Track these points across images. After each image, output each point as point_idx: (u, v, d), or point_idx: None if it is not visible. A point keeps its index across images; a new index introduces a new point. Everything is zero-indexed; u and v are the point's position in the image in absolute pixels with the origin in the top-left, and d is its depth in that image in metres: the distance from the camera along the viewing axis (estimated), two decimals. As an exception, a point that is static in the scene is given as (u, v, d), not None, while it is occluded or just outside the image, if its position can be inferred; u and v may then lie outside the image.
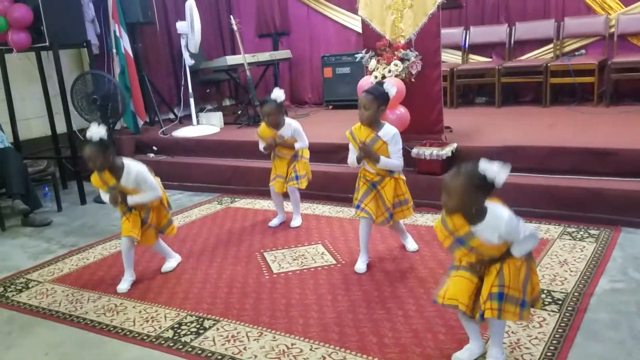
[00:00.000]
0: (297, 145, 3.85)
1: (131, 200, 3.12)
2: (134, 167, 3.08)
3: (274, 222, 4.14)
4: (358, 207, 3.15)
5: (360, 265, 3.22)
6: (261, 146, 3.94)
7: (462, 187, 1.95)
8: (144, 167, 3.15)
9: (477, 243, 2.03)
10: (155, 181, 3.19)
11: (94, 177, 3.12)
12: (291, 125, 3.85)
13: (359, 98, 3.06)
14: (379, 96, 2.98)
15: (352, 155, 3.16)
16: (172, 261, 3.48)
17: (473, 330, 2.25)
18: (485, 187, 1.94)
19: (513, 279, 2.03)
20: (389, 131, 3.03)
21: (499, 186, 1.92)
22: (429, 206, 4.07)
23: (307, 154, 3.97)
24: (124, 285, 3.23)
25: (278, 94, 3.77)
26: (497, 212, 1.99)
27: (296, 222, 4.07)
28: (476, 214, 1.99)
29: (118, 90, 4.91)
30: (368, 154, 3.02)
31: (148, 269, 3.48)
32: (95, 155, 2.96)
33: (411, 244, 3.41)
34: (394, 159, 3.03)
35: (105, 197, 3.17)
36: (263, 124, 3.92)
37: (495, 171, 1.91)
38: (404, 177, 3.18)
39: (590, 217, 3.63)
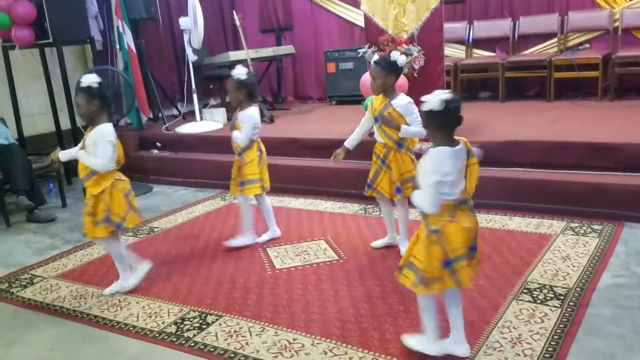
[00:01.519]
0: (234, 135, 3.53)
1: (80, 155, 2.93)
2: (103, 127, 2.94)
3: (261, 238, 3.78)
4: (369, 186, 3.25)
5: (376, 242, 3.45)
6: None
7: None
8: (111, 133, 2.96)
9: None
10: (110, 153, 2.93)
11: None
12: (247, 112, 3.49)
13: (369, 70, 3.20)
14: (386, 66, 3.07)
15: (361, 125, 3.32)
16: (125, 280, 3.17)
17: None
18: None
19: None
20: (402, 100, 3.10)
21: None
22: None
23: (249, 155, 3.53)
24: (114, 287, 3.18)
25: (238, 72, 3.49)
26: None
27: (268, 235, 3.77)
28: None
29: (127, 83, 4.93)
30: (385, 121, 3.06)
31: (153, 265, 3.49)
32: (80, 102, 2.92)
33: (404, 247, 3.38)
34: (413, 127, 3.04)
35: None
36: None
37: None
38: (413, 156, 3.19)
39: (594, 212, 3.62)
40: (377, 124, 3.15)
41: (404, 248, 3.31)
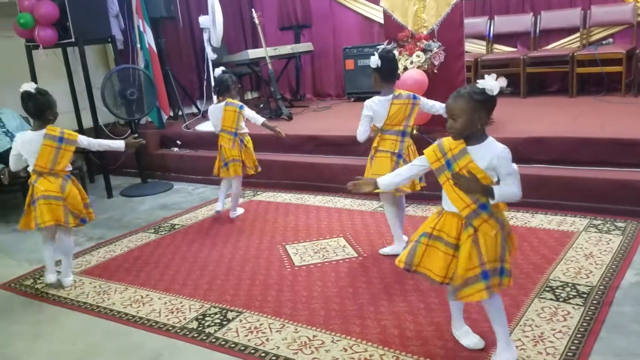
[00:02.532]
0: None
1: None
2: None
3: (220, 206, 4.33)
4: None
5: (385, 249, 3.37)
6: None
7: (466, 106, 1.98)
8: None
9: (465, 162, 2.02)
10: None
11: None
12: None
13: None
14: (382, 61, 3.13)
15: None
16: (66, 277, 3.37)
17: (458, 309, 2.27)
18: (487, 102, 1.98)
19: (490, 251, 2.01)
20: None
21: (495, 93, 1.97)
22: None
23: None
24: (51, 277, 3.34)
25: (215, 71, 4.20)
26: (496, 142, 2.04)
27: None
28: (479, 134, 2.02)
29: (149, 81, 4.99)
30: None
31: (173, 261, 3.53)
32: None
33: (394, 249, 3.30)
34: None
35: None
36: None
37: (493, 84, 1.95)
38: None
39: (617, 209, 3.57)
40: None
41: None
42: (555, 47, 6.08)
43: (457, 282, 2.05)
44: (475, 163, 2.00)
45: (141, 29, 5.87)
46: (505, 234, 2.08)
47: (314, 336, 2.51)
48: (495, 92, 1.96)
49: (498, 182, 2.01)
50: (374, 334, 2.47)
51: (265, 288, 3.04)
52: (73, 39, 4.97)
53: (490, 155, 1.99)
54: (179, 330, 2.68)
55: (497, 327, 2.14)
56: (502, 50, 6.35)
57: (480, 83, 1.97)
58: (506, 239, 2.09)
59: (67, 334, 2.80)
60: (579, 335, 2.30)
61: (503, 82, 1.96)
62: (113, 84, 4.95)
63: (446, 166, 2.08)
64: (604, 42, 5.75)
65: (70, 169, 3.29)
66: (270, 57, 6.29)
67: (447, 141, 2.10)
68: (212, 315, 2.79)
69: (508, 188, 1.99)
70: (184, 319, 2.79)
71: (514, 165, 2.00)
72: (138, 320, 2.83)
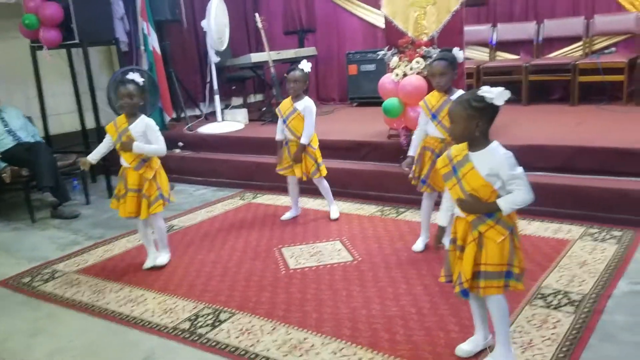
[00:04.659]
0: (305, 125, 3.86)
1: (137, 147, 3.24)
2: (146, 118, 3.34)
3: (287, 215, 4.21)
4: (424, 182, 3.25)
5: (418, 245, 3.41)
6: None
7: (464, 112, 2.00)
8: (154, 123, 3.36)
9: (467, 169, 2.03)
10: (163, 138, 3.35)
11: (110, 125, 3.37)
12: (308, 105, 3.90)
13: (430, 67, 3.18)
14: (452, 61, 3.10)
15: (420, 129, 3.27)
16: (165, 257, 3.52)
17: (479, 317, 2.24)
18: (486, 109, 1.98)
19: (491, 256, 2.03)
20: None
21: (498, 105, 1.95)
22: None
23: (315, 142, 3.97)
24: (147, 263, 3.49)
25: (305, 65, 3.92)
26: (499, 148, 2.04)
27: (334, 212, 4.15)
28: (479, 139, 2.03)
29: (152, 82, 5.03)
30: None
31: (170, 261, 3.54)
32: (133, 93, 3.23)
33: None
34: None
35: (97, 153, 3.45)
36: (285, 99, 4.02)
37: (494, 93, 1.94)
38: None
39: (614, 218, 3.56)
40: (435, 121, 3.15)
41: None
42: (558, 55, 6.09)
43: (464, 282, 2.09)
44: (476, 170, 2.01)
45: (145, 31, 5.92)
46: (515, 239, 2.09)
47: (304, 338, 2.52)
48: (495, 101, 1.95)
49: (503, 188, 2.02)
50: (364, 338, 2.48)
51: (259, 290, 3.05)
52: (77, 40, 5.02)
53: (491, 161, 2.00)
54: (171, 331, 2.70)
55: (498, 329, 2.15)
56: (505, 57, 6.36)
57: (482, 90, 1.98)
58: (515, 244, 2.09)
59: (64, 331, 2.83)
60: (567, 343, 2.30)
61: (506, 94, 1.94)
62: (118, 82, 4.99)
63: (453, 172, 2.11)
64: (606, 51, 5.76)
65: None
66: (274, 61, 6.32)
67: (454, 148, 2.14)
68: (205, 316, 2.81)
69: (513, 197, 1.98)
70: (177, 319, 2.81)
71: (519, 169, 2.00)
72: (132, 319, 2.86)
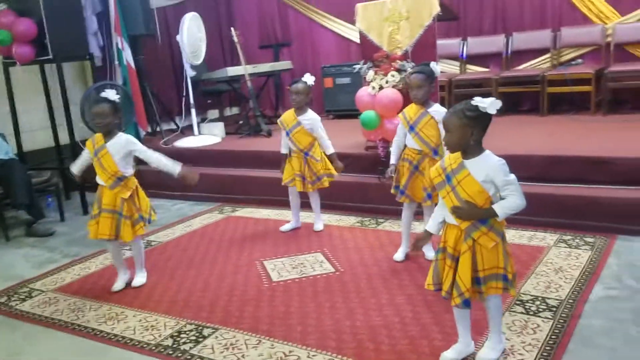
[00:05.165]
0: (320, 139, 3.92)
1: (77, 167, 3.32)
2: (124, 135, 3.29)
3: (287, 227, 4.21)
4: (402, 192, 3.31)
5: (399, 254, 3.45)
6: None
7: (459, 122, 2.07)
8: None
9: (463, 176, 2.11)
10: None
11: (89, 142, 3.33)
12: (313, 117, 3.93)
13: (409, 79, 3.24)
14: (429, 75, 3.15)
15: (398, 138, 3.35)
16: (143, 277, 3.47)
17: (463, 325, 2.30)
18: (480, 118, 2.06)
19: (487, 261, 2.12)
20: (439, 110, 3.15)
21: (492, 113, 2.04)
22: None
23: (318, 154, 3.97)
24: (118, 284, 3.40)
25: (309, 78, 3.93)
26: (492, 156, 2.13)
27: (319, 225, 4.16)
28: (474, 148, 2.11)
29: (126, 97, 5.00)
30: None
31: (149, 278, 3.51)
32: (105, 112, 3.17)
33: (429, 251, 3.44)
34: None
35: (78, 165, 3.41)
36: (287, 111, 4.03)
37: (487, 102, 2.02)
38: None
39: (587, 225, 3.66)
40: (413, 132, 3.22)
41: (430, 253, 3.39)
42: (526, 67, 6.25)
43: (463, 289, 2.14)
44: (472, 176, 2.10)
45: (120, 46, 5.89)
46: (506, 245, 2.19)
47: (290, 351, 2.53)
48: (488, 110, 2.03)
49: (496, 195, 2.10)
50: (349, 349, 2.50)
51: (242, 304, 3.05)
52: (51, 56, 4.97)
53: (486, 168, 2.09)
54: (154, 348, 2.68)
55: (495, 320, 2.28)
56: (476, 70, 6.50)
57: (475, 100, 2.06)
58: (507, 250, 2.19)
59: (43, 351, 2.77)
60: (548, 348, 2.36)
61: (498, 103, 2.03)
62: (91, 101, 4.95)
63: (446, 181, 2.17)
64: (573, 62, 5.93)
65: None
66: (250, 74, 6.35)
67: (447, 157, 2.22)
68: (187, 332, 2.79)
69: (508, 202, 2.08)
70: (159, 336, 2.78)
71: (512, 176, 2.10)
72: (113, 337, 2.82)
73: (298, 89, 3.89)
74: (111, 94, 3.20)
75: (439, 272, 2.23)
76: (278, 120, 4.09)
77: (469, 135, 2.08)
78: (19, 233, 4.74)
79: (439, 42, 4.51)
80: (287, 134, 3.96)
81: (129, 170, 3.30)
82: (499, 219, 2.10)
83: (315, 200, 4.14)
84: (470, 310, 2.23)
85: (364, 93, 4.41)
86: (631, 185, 3.72)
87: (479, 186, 2.09)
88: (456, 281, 2.14)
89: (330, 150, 3.95)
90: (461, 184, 2.12)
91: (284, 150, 4.07)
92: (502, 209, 2.08)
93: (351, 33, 7.10)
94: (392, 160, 3.38)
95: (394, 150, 3.39)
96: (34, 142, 5.86)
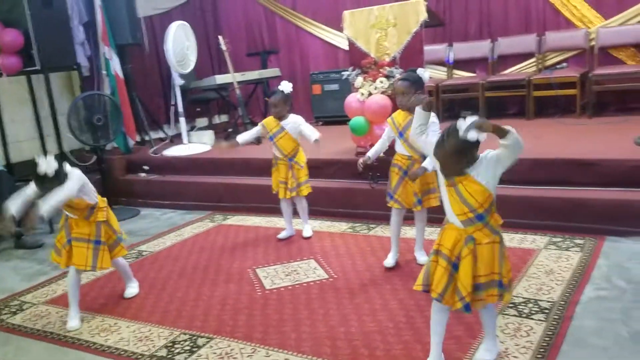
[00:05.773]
0: (305, 131, 3.89)
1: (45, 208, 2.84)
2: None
3: (283, 234, 4.21)
4: (391, 197, 3.33)
5: (389, 260, 3.44)
6: (251, 135, 4.00)
7: (453, 157, 2.11)
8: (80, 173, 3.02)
9: (465, 177, 2.14)
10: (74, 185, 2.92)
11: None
12: (295, 120, 3.91)
13: (395, 86, 3.26)
14: (415, 82, 3.15)
15: (383, 140, 3.38)
16: (134, 287, 3.45)
17: (437, 333, 2.30)
18: (471, 147, 2.08)
19: (486, 266, 2.14)
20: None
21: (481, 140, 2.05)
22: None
23: (302, 160, 3.99)
24: (74, 323, 3.08)
25: (285, 86, 3.89)
26: (481, 155, 2.16)
27: (307, 231, 4.17)
28: (472, 162, 2.14)
29: (114, 107, 4.98)
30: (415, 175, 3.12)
31: (140, 288, 3.49)
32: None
33: (421, 256, 3.46)
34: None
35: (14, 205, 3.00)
36: (270, 117, 4.01)
37: (474, 135, 2.02)
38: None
39: (576, 227, 3.71)
40: (402, 139, 3.24)
41: (422, 258, 3.40)
42: (512, 71, 6.32)
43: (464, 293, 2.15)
44: (476, 180, 2.13)
45: (107, 55, 5.88)
46: (503, 248, 2.20)
47: (285, 359, 2.53)
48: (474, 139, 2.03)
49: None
50: (344, 355, 2.50)
51: (235, 313, 3.04)
52: (38, 67, 4.95)
53: (482, 168, 2.14)
54: (148, 359, 2.67)
55: (491, 325, 2.34)
56: (462, 75, 6.57)
57: (460, 132, 2.03)
58: (504, 253, 2.20)
59: (34, 365, 2.75)
60: (541, 350, 2.38)
61: (482, 136, 2.04)
62: (79, 111, 4.93)
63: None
64: (558, 66, 6.00)
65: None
66: (238, 82, 6.35)
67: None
68: (181, 343, 2.78)
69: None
70: (153, 347, 2.77)
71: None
72: (107, 349, 2.80)
73: (275, 101, 3.87)
74: (48, 165, 2.93)
75: (429, 274, 2.23)
76: (260, 123, 4.06)
77: (465, 162, 2.13)
78: (8, 245, 4.69)
79: (426, 47, 4.56)
80: (271, 139, 3.96)
81: (93, 196, 3.04)
82: (510, 137, 2.14)
83: (302, 207, 4.14)
84: (448, 316, 2.26)
85: (353, 99, 4.45)
86: (617, 187, 3.77)
87: (482, 187, 2.13)
88: (457, 286, 2.15)
89: (316, 134, 3.87)
90: (463, 183, 2.15)
91: (241, 139, 3.99)
92: (512, 133, 2.15)
93: (339, 40, 7.14)
94: (369, 154, 3.39)
95: (375, 147, 3.42)
96: (22, 154, 5.80)
